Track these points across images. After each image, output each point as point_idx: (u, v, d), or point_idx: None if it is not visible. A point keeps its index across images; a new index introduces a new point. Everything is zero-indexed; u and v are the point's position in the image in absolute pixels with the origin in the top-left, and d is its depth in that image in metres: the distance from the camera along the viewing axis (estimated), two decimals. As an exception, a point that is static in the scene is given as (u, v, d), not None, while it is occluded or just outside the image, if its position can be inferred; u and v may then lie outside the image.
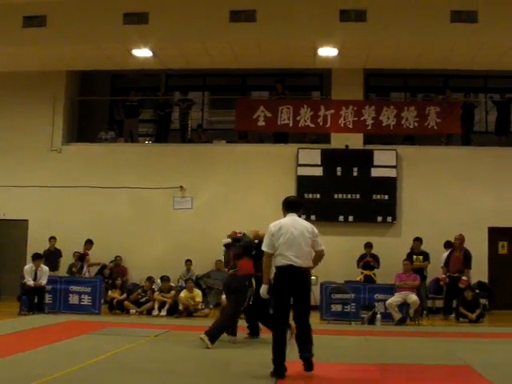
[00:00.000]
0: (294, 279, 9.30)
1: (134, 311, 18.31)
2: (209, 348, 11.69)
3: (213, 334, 12.03)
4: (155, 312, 18.15)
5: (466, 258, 18.40)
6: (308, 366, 9.22)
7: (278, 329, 9.39)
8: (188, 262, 20.82)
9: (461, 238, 18.60)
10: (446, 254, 18.86)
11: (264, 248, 9.45)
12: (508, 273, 21.28)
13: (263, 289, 9.53)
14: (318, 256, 9.70)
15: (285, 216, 9.73)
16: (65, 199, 21.70)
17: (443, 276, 18.53)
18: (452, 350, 11.74)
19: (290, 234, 9.33)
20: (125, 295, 18.78)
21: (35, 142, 22.16)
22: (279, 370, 9.02)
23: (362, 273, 19.36)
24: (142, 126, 24.05)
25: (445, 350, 11.22)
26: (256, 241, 12.33)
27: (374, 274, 19.32)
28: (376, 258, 19.44)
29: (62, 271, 20.52)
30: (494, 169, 21.28)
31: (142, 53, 20.04)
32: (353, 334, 14.35)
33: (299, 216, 9.80)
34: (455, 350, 11.82)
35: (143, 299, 18.52)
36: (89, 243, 20.53)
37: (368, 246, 19.54)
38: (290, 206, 9.85)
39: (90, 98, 23.41)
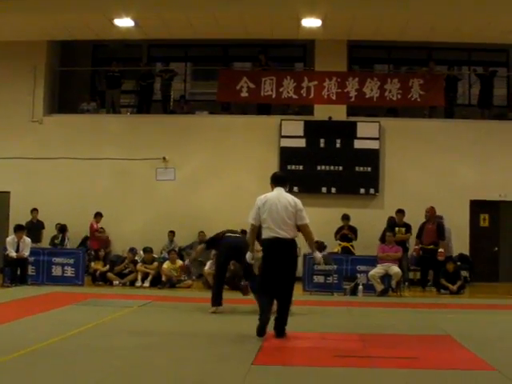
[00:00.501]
0: (279, 250, 9.74)
1: (117, 282, 18.27)
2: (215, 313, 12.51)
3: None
4: (138, 283, 18.13)
5: (440, 230, 18.50)
6: (278, 332, 9.72)
7: (263, 295, 9.90)
8: (171, 233, 20.82)
9: (431, 210, 18.70)
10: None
11: (250, 220, 9.91)
12: (489, 245, 21.44)
13: (248, 255, 10.25)
14: (303, 230, 10.03)
15: (272, 190, 10.11)
16: (47, 171, 21.57)
17: (416, 247, 18.62)
18: (433, 320, 11.84)
19: (274, 207, 9.75)
20: (108, 267, 18.74)
21: (16, 113, 21.96)
22: (261, 330, 9.49)
23: (339, 244, 19.36)
24: (124, 97, 23.85)
25: (426, 320, 11.31)
26: None
27: (351, 245, 19.31)
28: (354, 230, 19.40)
29: (45, 243, 20.46)
30: (476, 142, 21.34)
31: (124, 22, 19.85)
32: (335, 305, 14.44)
33: (285, 190, 10.14)
34: (436, 320, 11.93)
35: (126, 270, 18.49)
36: (99, 216, 20.39)
37: (345, 218, 19.46)
38: (276, 180, 10.30)
39: (72, 68, 23.11)
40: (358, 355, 8.69)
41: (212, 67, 23.67)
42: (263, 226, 9.79)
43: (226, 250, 13.12)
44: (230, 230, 13.77)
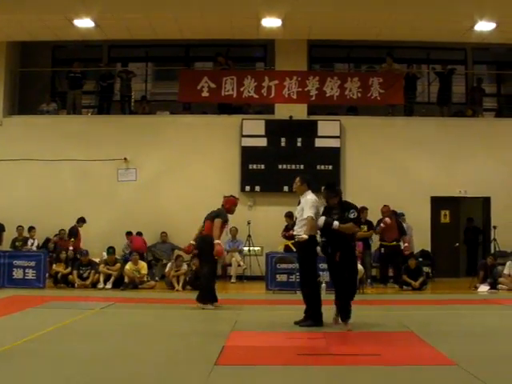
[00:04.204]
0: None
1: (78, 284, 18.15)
2: (205, 309, 12.90)
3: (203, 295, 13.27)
4: (100, 285, 18.01)
5: (400, 226, 18.69)
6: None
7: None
8: (127, 234, 20.73)
9: (387, 209, 18.82)
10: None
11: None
12: (450, 241, 21.66)
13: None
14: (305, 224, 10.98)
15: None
16: (7, 173, 21.35)
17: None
18: (395, 317, 11.92)
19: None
20: (69, 269, 18.59)
21: (-25, 115, 21.79)
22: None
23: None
24: (85, 98, 23.69)
25: (388, 317, 11.39)
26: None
27: (292, 243, 19.13)
28: None
29: (6, 245, 20.27)
30: (436, 139, 21.56)
31: (84, 23, 19.74)
32: (298, 304, 14.45)
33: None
34: (399, 317, 12.01)
35: (85, 273, 18.30)
36: (81, 221, 20.16)
37: (287, 215, 19.38)
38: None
39: (32, 69, 22.90)
40: (320, 353, 8.77)
41: (173, 67, 23.60)
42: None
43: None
44: None
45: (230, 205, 13.74)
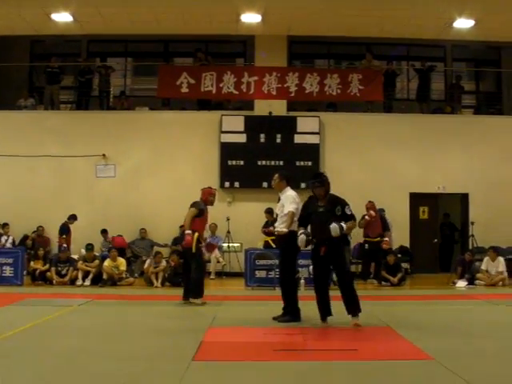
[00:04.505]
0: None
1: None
2: (199, 304, 12.97)
3: (193, 290, 13.22)
4: (79, 282, 17.92)
5: (384, 222, 18.76)
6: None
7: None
8: (103, 232, 20.68)
9: (371, 205, 18.86)
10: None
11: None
12: (428, 237, 21.76)
13: None
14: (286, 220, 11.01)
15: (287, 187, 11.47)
16: (-16, 168, 21.24)
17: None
18: (373, 312, 11.92)
19: None
20: (47, 266, 18.48)
21: (-49, 110, 21.63)
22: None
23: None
24: (63, 93, 23.56)
25: (366, 312, 11.36)
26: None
27: (272, 239, 19.08)
28: None
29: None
30: (415, 135, 21.66)
31: (62, 17, 19.64)
32: (277, 299, 14.44)
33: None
34: (376, 312, 12.02)
35: (64, 270, 18.22)
36: (72, 218, 19.96)
37: (267, 212, 19.37)
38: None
39: (9, 64, 22.73)
40: (297, 349, 8.76)
41: (152, 63, 23.52)
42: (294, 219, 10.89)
43: None
44: None
45: (206, 195, 13.67)
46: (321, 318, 10.49)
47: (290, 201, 11.03)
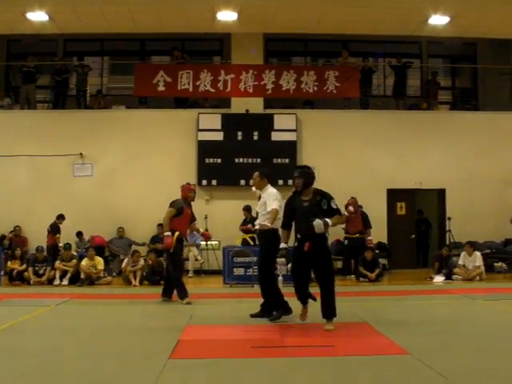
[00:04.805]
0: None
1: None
2: (189, 304, 12.85)
3: (178, 292, 13.19)
4: (57, 281, 17.87)
5: (365, 219, 18.83)
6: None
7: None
8: (79, 234, 20.62)
9: (354, 202, 18.93)
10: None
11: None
12: (406, 233, 21.86)
13: None
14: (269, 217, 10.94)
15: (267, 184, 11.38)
16: (-40, 169, 21.10)
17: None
18: (351, 308, 11.98)
19: None
20: (25, 266, 18.42)
21: None
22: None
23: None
24: (40, 93, 23.44)
25: (344, 308, 11.41)
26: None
27: (250, 237, 19.13)
28: (255, 222, 19.03)
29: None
30: (392, 132, 21.75)
31: (38, 16, 19.58)
32: (255, 297, 14.48)
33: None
34: (354, 308, 12.09)
35: (41, 270, 18.17)
36: (61, 218, 19.74)
37: (245, 209, 19.45)
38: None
39: (-15, 63, 22.71)
40: (275, 345, 8.79)
41: (129, 61, 23.43)
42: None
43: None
44: None
45: (185, 192, 13.57)
46: (302, 303, 10.36)
47: (272, 198, 10.98)
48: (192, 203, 13.66)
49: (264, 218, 10.99)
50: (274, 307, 10.91)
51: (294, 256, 10.19)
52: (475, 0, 18.49)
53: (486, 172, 21.52)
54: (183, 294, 13.15)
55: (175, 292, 13.38)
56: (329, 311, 9.93)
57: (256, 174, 11.45)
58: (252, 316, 10.97)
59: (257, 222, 11.34)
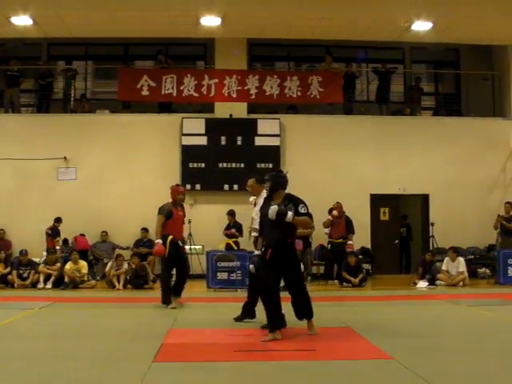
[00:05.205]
0: None
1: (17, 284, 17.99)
2: (174, 308, 12.79)
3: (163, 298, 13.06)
4: (40, 285, 17.86)
5: (348, 224, 18.87)
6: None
7: None
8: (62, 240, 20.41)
9: (339, 207, 18.98)
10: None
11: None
12: (389, 238, 21.96)
13: None
14: None
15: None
16: None
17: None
18: (334, 313, 12.05)
19: None
20: (9, 269, 18.39)
21: None
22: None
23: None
24: (23, 97, 23.39)
25: (327, 313, 11.48)
26: None
27: (234, 242, 19.21)
28: (239, 226, 19.21)
29: None
30: (375, 137, 21.85)
31: (22, 20, 19.49)
32: (239, 301, 14.51)
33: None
34: (337, 313, 12.15)
35: (25, 273, 18.16)
36: (59, 221, 19.93)
37: (229, 214, 19.47)
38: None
39: (-31, 67, 22.61)
40: (257, 349, 8.82)
41: (113, 66, 23.45)
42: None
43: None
44: None
45: (174, 194, 13.48)
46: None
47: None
48: (172, 209, 13.36)
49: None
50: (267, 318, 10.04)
51: (262, 264, 9.82)
52: (457, 6, 18.54)
53: (469, 178, 21.65)
54: (167, 299, 13.10)
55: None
56: (307, 311, 9.89)
57: (252, 180, 11.20)
58: (236, 320, 11.00)
59: (253, 228, 10.92)
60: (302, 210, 9.71)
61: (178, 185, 14.06)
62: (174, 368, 7.75)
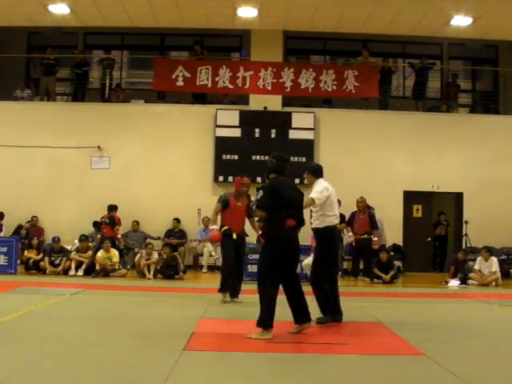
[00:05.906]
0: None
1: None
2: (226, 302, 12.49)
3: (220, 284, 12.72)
4: (72, 272, 17.95)
5: (372, 220, 18.68)
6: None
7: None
8: (96, 224, 20.43)
9: (363, 201, 18.83)
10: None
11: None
12: (421, 236, 21.75)
13: None
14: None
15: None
16: (-20, 158, 21.20)
17: (350, 235, 18.79)
18: (365, 309, 11.98)
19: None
20: (41, 255, 18.50)
21: None
22: None
23: None
24: (59, 85, 23.54)
25: (358, 309, 11.41)
26: None
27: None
28: None
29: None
30: (410, 134, 21.67)
31: (59, 9, 19.65)
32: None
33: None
34: (368, 309, 12.07)
35: (57, 260, 18.27)
36: (115, 208, 19.97)
37: None
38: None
39: (6, 55, 22.64)
40: (290, 341, 8.75)
41: (148, 56, 23.50)
42: (327, 213, 10.18)
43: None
44: None
45: (237, 186, 13.01)
46: None
47: (314, 190, 10.37)
48: (231, 199, 12.87)
49: (316, 216, 10.37)
50: (321, 311, 10.16)
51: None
52: (498, 1, 18.37)
53: (504, 177, 21.39)
54: (222, 288, 12.65)
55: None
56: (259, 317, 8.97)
57: (305, 172, 10.91)
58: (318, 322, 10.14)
59: (312, 221, 10.53)
60: (258, 196, 9.09)
61: (242, 176, 13.27)
62: (204, 357, 7.73)
